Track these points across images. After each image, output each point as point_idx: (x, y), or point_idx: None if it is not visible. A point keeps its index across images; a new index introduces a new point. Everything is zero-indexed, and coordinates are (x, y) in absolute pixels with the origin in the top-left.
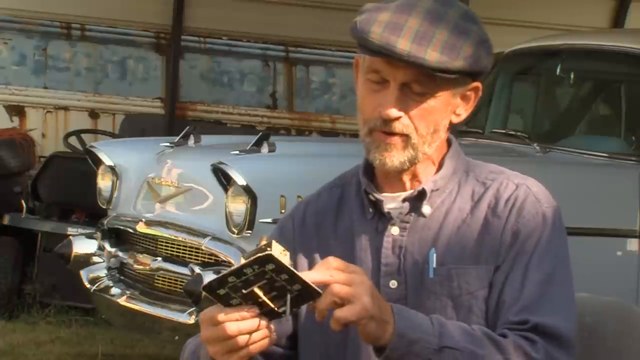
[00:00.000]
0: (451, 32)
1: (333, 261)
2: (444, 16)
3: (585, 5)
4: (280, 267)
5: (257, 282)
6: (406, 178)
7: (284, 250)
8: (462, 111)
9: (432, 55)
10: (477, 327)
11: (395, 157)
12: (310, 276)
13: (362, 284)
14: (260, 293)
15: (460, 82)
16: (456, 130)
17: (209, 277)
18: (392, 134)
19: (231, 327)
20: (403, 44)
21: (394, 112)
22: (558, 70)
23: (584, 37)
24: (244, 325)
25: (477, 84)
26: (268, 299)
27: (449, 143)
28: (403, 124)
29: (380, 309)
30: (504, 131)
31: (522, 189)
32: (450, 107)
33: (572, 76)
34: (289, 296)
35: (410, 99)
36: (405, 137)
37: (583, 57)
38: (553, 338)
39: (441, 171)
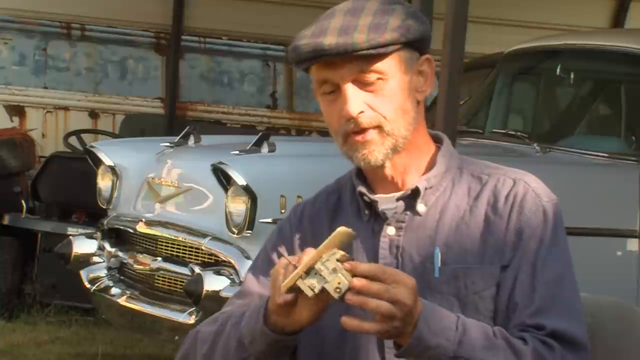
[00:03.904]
0: (373, 16)
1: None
2: (363, 9)
3: (585, 5)
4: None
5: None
6: (397, 178)
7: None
8: (424, 87)
9: (360, 38)
10: (498, 332)
11: (376, 151)
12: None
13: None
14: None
15: (405, 57)
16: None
17: (209, 277)
18: (364, 130)
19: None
20: (330, 40)
21: (354, 107)
22: (558, 70)
23: (584, 37)
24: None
25: (426, 56)
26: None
27: (440, 141)
28: (369, 116)
29: (405, 324)
30: (504, 131)
31: (521, 184)
32: (408, 85)
33: (572, 76)
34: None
35: (365, 92)
36: (378, 129)
37: (583, 57)
38: (570, 344)
39: (433, 169)
